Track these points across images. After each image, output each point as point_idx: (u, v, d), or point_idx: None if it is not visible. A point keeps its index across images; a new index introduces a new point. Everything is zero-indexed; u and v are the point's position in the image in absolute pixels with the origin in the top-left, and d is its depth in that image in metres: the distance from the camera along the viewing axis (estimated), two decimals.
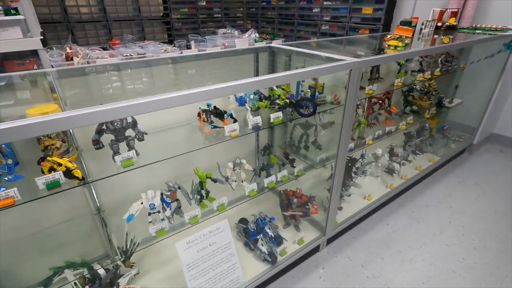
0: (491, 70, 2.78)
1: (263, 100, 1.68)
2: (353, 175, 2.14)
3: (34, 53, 2.15)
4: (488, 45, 2.62)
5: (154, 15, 5.19)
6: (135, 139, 1.21)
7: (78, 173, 1.05)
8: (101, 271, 1.41)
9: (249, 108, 1.52)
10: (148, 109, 0.92)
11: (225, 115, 1.46)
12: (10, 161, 1.06)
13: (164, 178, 1.43)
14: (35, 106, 1.15)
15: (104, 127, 1.15)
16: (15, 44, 1.99)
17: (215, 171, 1.55)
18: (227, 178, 1.56)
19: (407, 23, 2.49)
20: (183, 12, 5.45)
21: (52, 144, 1.17)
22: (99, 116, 0.84)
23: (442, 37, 2.56)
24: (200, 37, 3.21)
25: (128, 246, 1.45)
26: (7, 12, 1.92)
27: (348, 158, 2.05)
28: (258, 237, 1.72)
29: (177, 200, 1.42)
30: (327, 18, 4.47)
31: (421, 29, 2.76)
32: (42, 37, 2.09)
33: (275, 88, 1.72)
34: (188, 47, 3.30)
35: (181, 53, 2.86)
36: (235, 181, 1.59)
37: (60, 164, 1.03)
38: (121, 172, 1.15)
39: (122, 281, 1.46)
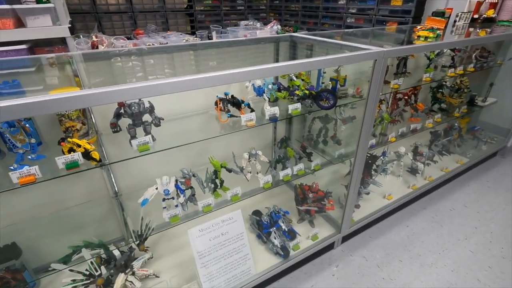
0: None
1: (282, 91, 1.64)
2: (373, 172, 2.06)
3: (63, 41, 2.24)
4: None
5: (178, 6, 5.27)
6: (152, 124, 1.22)
7: (95, 154, 1.07)
8: (116, 253, 1.45)
9: (267, 99, 1.49)
10: (166, 91, 0.91)
11: (243, 104, 1.43)
12: (33, 140, 1.10)
13: (179, 165, 1.44)
14: (57, 89, 1.18)
15: (122, 111, 1.16)
16: (45, 31, 2.08)
17: (230, 161, 1.54)
18: (242, 169, 1.54)
19: (439, 14, 2.34)
20: (206, 4, 5.48)
21: (73, 126, 1.20)
22: (115, 95, 0.84)
23: (478, 30, 2.38)
24: (222, 28, 3.20)
25: (143, 231, 1.48)
26: (38, 1, 2.01)
27: (368, 155, 1.98)
28: (271, 230, 1.70)
29: (191, 187, 1.43)
30: (353, 11, 4.32)
31: (454, 21, 2.58)
32: (70, 25, 2.17)
33: (294, 78, 1.67)
34: (210, 38, 3.31)
35: None
36: (250, 172, 1.57)
37: (79, 146, 1.06)
38: (137, 156, 1.16)
39: (136, 264, 1.50)
